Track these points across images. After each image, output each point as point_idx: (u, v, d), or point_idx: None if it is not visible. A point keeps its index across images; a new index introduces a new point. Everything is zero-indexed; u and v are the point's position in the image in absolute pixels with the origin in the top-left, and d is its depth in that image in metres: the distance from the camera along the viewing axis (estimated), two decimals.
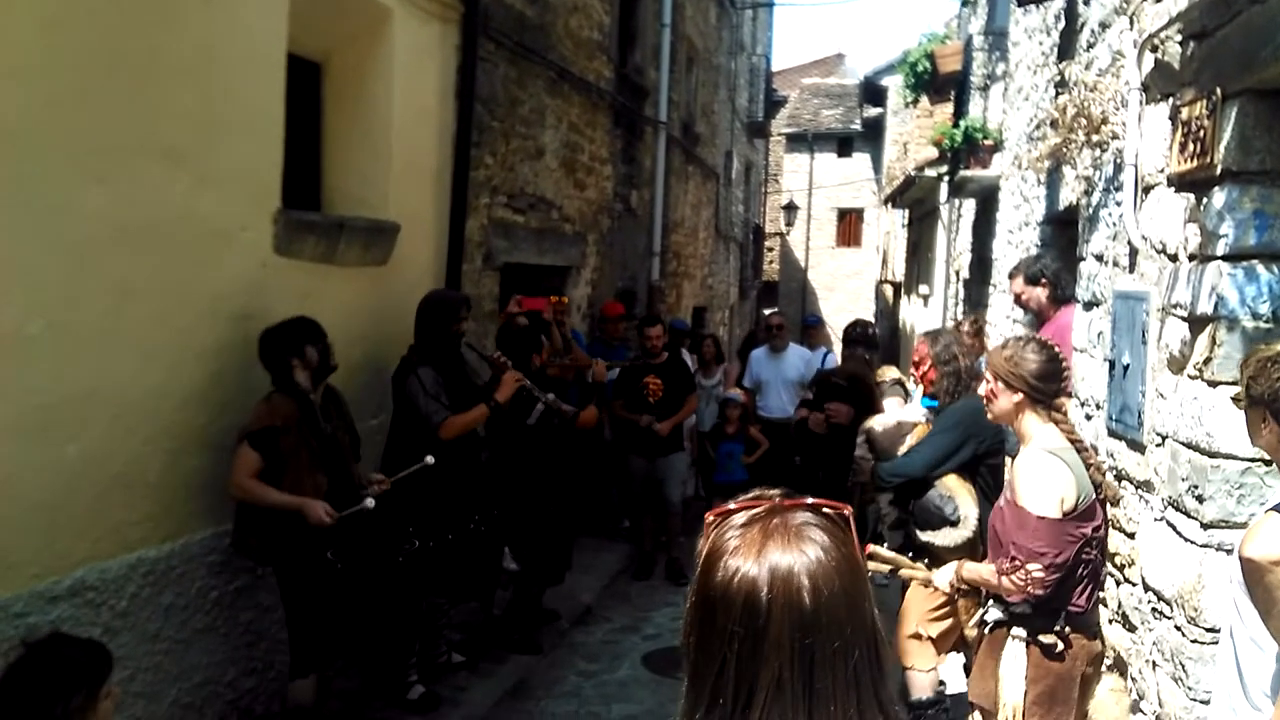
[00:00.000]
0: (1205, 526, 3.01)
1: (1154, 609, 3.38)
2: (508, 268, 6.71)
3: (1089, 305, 4.56)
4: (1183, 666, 3.07)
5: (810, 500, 1.21)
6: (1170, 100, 3.49)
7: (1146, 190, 3.74)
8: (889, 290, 21.88)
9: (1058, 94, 5.39)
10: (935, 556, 3.88)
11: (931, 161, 11.84)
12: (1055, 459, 3.07)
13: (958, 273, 11.17)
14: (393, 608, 4.61)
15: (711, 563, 1.17)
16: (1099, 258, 4.41)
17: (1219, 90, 2.96)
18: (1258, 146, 2.90)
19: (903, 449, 4.41)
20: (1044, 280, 5.14)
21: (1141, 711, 3.45)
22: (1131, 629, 3.65)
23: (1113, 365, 3.99)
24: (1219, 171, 2.97)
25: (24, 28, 3.11)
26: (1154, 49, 3.58)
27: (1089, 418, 4.39)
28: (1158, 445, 3.47)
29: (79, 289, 3.37)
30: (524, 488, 5.49)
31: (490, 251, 6.42)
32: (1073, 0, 5.49)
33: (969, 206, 10.45)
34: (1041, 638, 3.11)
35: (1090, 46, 4.88)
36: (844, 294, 27.77)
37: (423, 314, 4.88)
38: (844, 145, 28.53)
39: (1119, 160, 4.01)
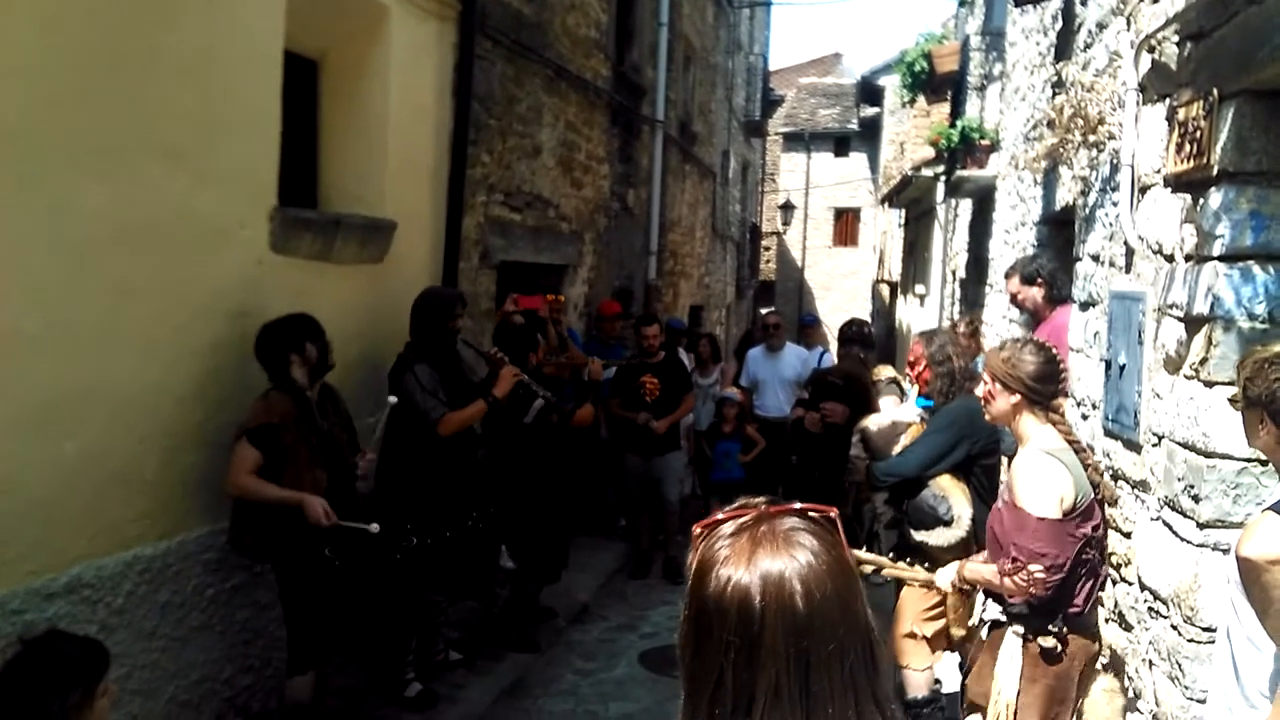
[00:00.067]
0: (1201, 526, 3.01)
1: (1150, 608, 3.39)
2: (504, 266, 6.71)
3: (1085, 305, 4.57)
4: (1179, 666, 3.08)
5: (797, 505, 1.22)
6: (1167, 101, 3.49)
7: (1143, 190, 3.75)
8: (885, 290, 21.90)
9: (1055, 94, 5.40)
10: (929, 556, 3.89)
11: (928, 161, 11.85)
12: (1053, 460, 3.07)
13: (954, 272, 11.18)
14: (391, 605, 4.61)
15: (703, 574, 1.18)
16: (1095, 258, 4.42)
17: (1216, 91, 2.97)
18: (1254, 147, 2.91)
19: (897, 449, 4.42)
20: (1040, 280, 5.15)
21: (1138, 710, 3.46)
22: (1128, 628, 3.66)
23: (1109, 365, 3.99)
24: (1215, 172, 2.97)
25: (23, 27, 3.11)
26: (1151, 50, 3.59)
27: (1085, 418, 4.40)
28: (1154, 445, 3.48)
29: (77, 287, 3.37)
30: (520, 486, 5.50)
31: (487, 250, 6.42)
32: (1070, 1, 5.49)
33: (965, 206, 10.46)
34: (1041, 640, 3.10)
35: (1087, 47, 4.89)
36: (840, 293, 27.79)
37: (418, 311, 4.87)
38: (841, 145, 28.55)
39: (1116, 160, 4.02)
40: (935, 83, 11.85)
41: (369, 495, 4.42)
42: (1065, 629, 3.12)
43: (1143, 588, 3.48)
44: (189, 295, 3.87)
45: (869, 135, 26.36)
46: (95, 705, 2.39)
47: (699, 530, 1.23)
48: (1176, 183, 3.34)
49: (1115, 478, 3.86)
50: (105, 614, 3.54)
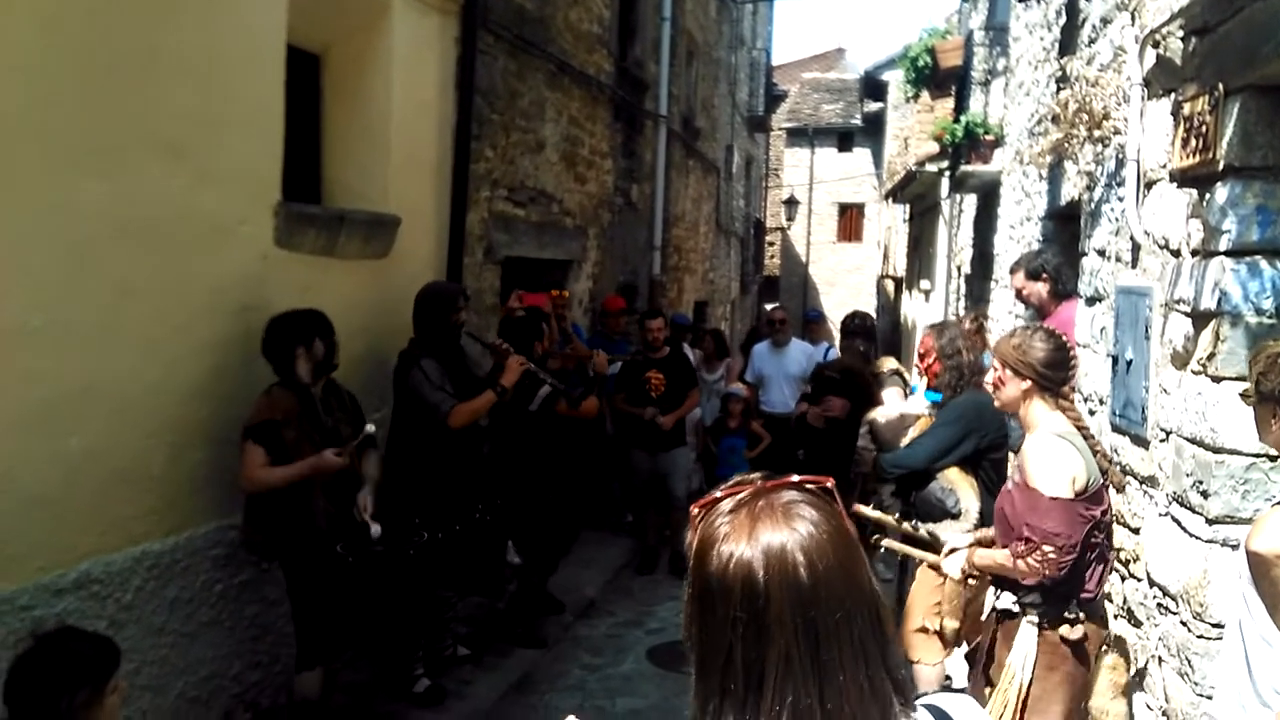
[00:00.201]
0: (1210, 522, 3.01)
1: (1159, 604, 3.39)
2: (509, 261, 6.71)
3: (1091, 300, 4.56)
4: (1189, 662, 3.08)
5: (794, 478, 1.21)
6: (1172, 96, 3.49)
7: (1149, 185, 3.74)
8: (890, 285, 21.89)
9: (1059, 89, 5.39)
10: (936, 549, 3.89)
11: (932, 156, 11.82)
12: (1064, 441, 3.07)
13: (959, 268, 11.17)
14: (400, 601, 4.62)
15: (704, 552, 1.18)
16: (1101, 253, 4.41)
17: (1221, 86, 2.96)
18: (1260, 142, 2.91)
19: (905, 441, 4.42)
20: (1045, 275, 5.14)
21: (1143, 690, 3.46)
22: (1137, 624, 3.66)
23: (1116, 360, 3.99)
24: (1221, 167, 2.97)
25: (23, 26, 3.11)
26: (1156, 44, 3.58)
27: (1092, 413, 4.40)
28: (1162, 441, 3.48)
29: (79, 284, 3.37)
30: (525, 478, 5.50)
31: (491, 245, 6.42)
32: None
33: (970, 202, 10.45)
34: (1064, 631, 3.08)
35: (1092, 42, 4.88)
36: (845, 289, 27.76)
37: (421, 306, 4.88)
38: (844, 140, 28.52)
39: (1121, 155, 4.01)
40: (939, 78, 11.82)
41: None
42: (1082, 614, 3.11)
43: (1151, 584, 3.48)
44: (193, 291, 3.88)
45: (873, 130, 26.33)
46: (105, 702, 2.40)
47: (697, 510, 1.23)
48: (1182, 178, 3.34)
49: (1123, 473, 3.86)
50: (114, 609, 3.55)
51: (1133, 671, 3.48)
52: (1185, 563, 3.15)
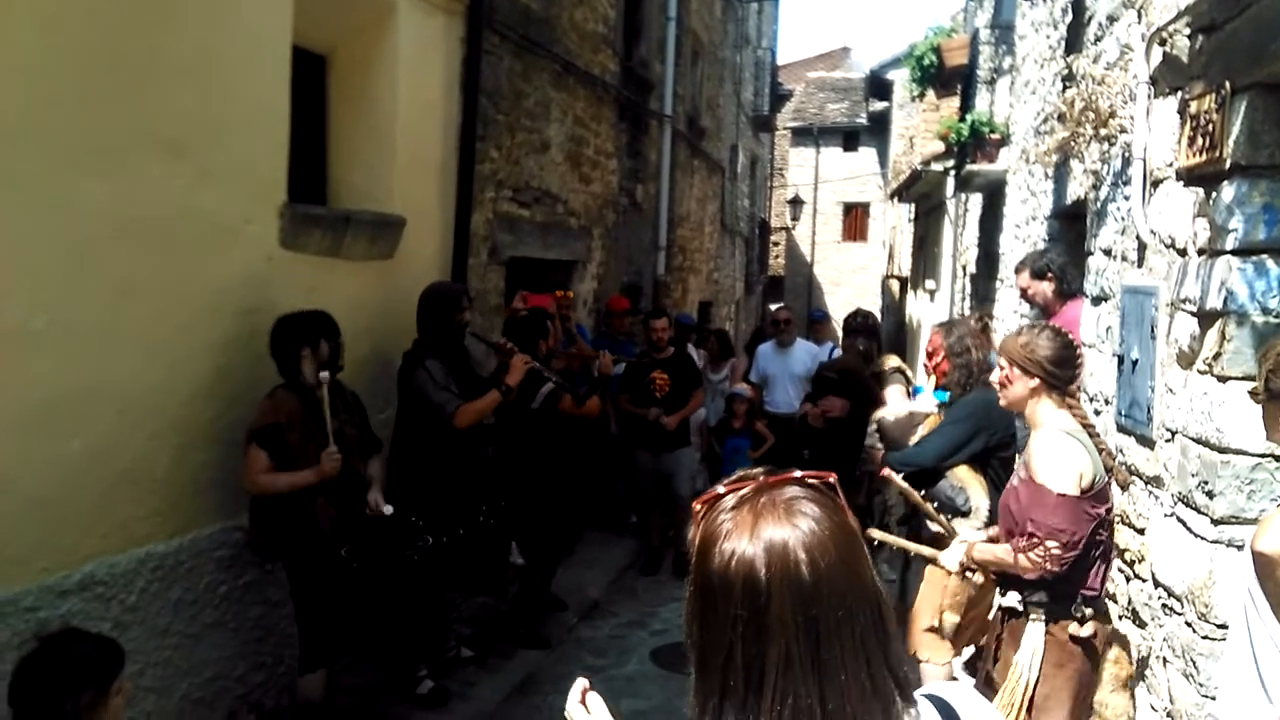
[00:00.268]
0: (1216, 522, 3.00)
1: (1164, 605, 3.38)
2: (513, 262, 6.71)
3: (1097, 300, 4.55)
4: (1193, 663, 3.06)
5: (796, 473, 1.21)
6: (1179, 94, 3.47)
7: (1155, 184, 3.73)
8: (895, 285, 21.85)
9: (1065, 88, 5.37)
10: (943, 546, 3.88)
11: (938, 156, 11.81)
12: (1072, 439, 3.07)
13: (964, 267, 11.15)
14: (403, 603, 4.61)
15: (707, 549, 1.17)
16: (1107, 252, 4.40)
17: (1228, 84, 2.95)
18: (1267, 140, 2.89)
19: (914, 439, 4.41)
20: (1049, 274, 5.13)
21: (1143, 682, 3.45)
22: (1142, 625, 3.64)
23: (1121, 360, 3.98)
24: (1228, 165, 2.96)
25: (23, 25, 3.11)
26: (1162, 42, 3.57)
27: (1098, 413, 4.38)
28: (1167, 441, 3.47)
29: (82, 285, 3.37)
30: (529, 479, 5.50)
31: (496, 246, 6.42)
32: None
33: (976, 201, 10.43)
34: (1074, 629, 3.08)
35: (1098, 40, 4.86)
36: (850, 289, 27.73)
37: (424, 307, 4.88)
38: (850, 139, 28.49)
39: (1127, 154, 4.00)
40: (944, 77, 11.82)
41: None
42: (1089, 611, 3.10)
43: (1156, 584, 3.46)
44: (197, 292, 3.88)
45: (878, 130, 26.30)
46: (109, 704, 2.40)
47: (699, 506, 1.22)
48: (1189, 176, 3.32)
49: (1129, 473, 3.84)
50: (119, 611, 3.55)
51: (1134, 664, 3.47)
52: (1190, 563, 3.14)
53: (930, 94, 13.60)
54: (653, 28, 10.08)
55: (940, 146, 11.20)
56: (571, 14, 7.54)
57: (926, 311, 14.82)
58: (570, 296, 7.33)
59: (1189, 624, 3.12)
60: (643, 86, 9.76)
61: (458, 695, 4.90)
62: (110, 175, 3.45)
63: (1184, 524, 3.22)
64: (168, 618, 3.80)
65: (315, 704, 4.02)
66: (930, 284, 14.75)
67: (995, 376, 3.33)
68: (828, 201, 28.52)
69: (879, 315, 22.07)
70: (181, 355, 3.82)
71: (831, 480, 1.22)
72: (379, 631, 4.45)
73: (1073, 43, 5.62)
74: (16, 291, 3.15)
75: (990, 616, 3.44)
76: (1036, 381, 3.16)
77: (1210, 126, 3.07)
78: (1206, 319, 3.10)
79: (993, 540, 3.45)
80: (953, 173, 11.12)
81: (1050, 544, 2.94)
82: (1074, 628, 3.09)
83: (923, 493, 4.17)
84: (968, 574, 3.55)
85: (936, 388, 4.57)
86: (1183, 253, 3.38)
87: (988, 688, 3.30)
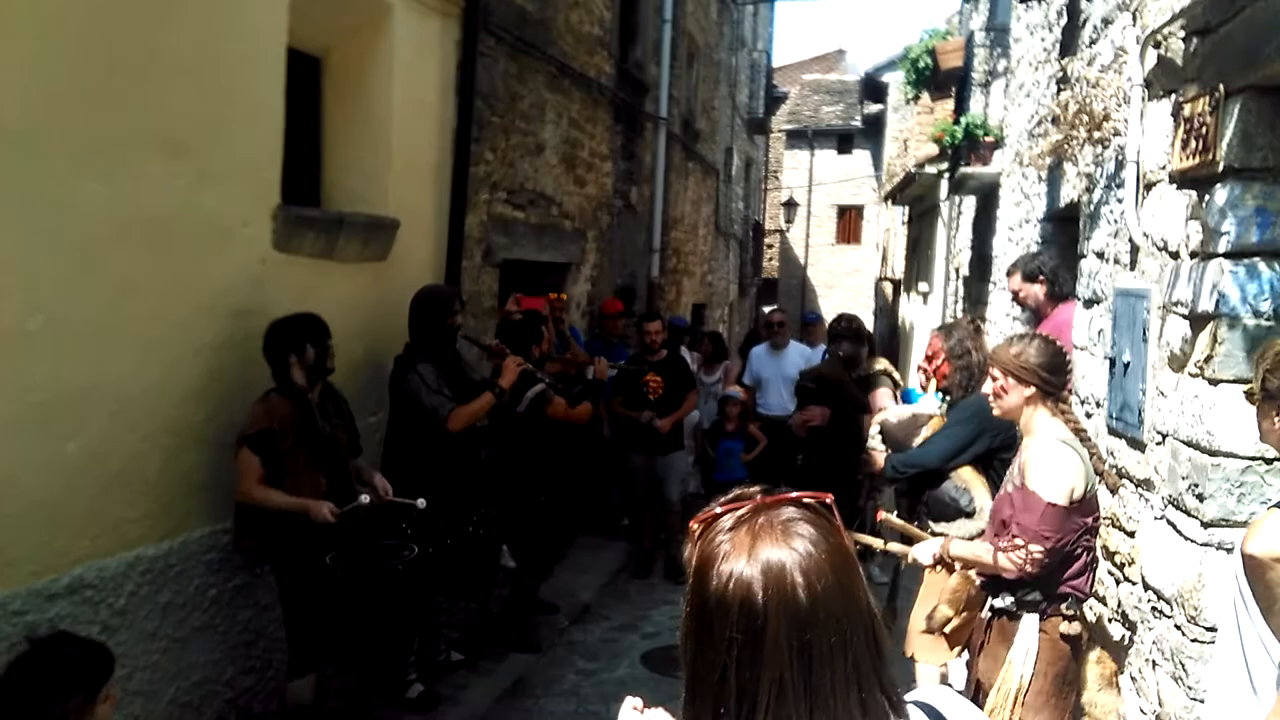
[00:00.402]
0: (1206, 525, 3.00)
1: (1154, 608, 3.38)
2: (507, 264, 6.70)
3: (1090, 303, 4.55)
4: (1182, 666, 3.06)
5: (793, 494, 1.21)
6: (1173, 97, 3.48)
7: (1148, 187, 3.73)
8: (889, 287, 21.87)
9: (1059, 90, 5.38)
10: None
11: (932, 158, 11.81)
12: (1068, 448, 3.09)
13: (958, 270, 11.16)
14: (393, 607, 4.59)
15: (704, 570, 1.17)
16: (1100, 255, 4.40)
17: (1222, 87, 2.95)
18: (1260, 144, 2.90)
19: (918, 441, 4.42)
20: (1041, 277, 5.14)
21: (1131, 678, 3.45)
22: (1131, 628, 3.64)
23: (1113, 363, 3.98)
24: (1221, 168, 2.96)
25: (23, 25, 3.10)
26: (1156, 45, 3.57)
27: (1089, 416, 4.39)
28: (1158, 444, 3.47)
29: (78, 285, 3.36)
30: (520, 483, 5.48)
31: (490, 248, 6.41)
32: None
33: (969, 204, 10.44)
34: (1064, 628, 3.12)
35: (1092, 43, 4.86)
36: (844, 291, 27.77)
37: (416, 310, 4.86)
38: (844, 142, 28.54)
39: (1121, 157, 4.00)
40: (939, 79, 11.82)
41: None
42: (1076, 612, 3.14)
43: (1146, 587, 3.46)
44: (191, 293, 3.87)
45: (872, 132, 26.33)
46: (97, 710, 2.39)
47: (696, 526, 1.22)
48: (1182, 179, 3.32)
49: (1119, 476, 3.85)
50: (107, 615, 3.54)
51: (1117, 660, 3.49)
52: (1180, 566, 3.14)
53: (925, 97, 13.61)
54: (648, 30, 10.08)
55: (934, 149, 11.20)
56: (567, 16, 7.53)
57: (919, 314, 14.83)
58: (564, 299, 7.32)
59: (1178, 627, 3.12)
60: (638, 89, 9.75)
61: (448, 699, 4.88)
62: (108, 176, 3.44)
63: (1174, 527, 3.22)
64: (156, 621, 3.78)
65: (304, 708, 4.00)
66: (923, 286, 14.76)
67: (988, 387, 3.34)
68: (822, 204, 28.55)
69: (872, 318, 22.19)
70: (175, 357, 3.81)
71: (828, 501, 1.21)
72: (368, 636, 4.42)
73: (1067, 46, 5.63)
74: (13, 291, 3.14)
75: (984, 615, 3.44)
76: (1032, 390, 3.18)
77: (1204, 129, 3.08)
78: (1198, 322, 3.10)
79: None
80: (947, 175, 11.12)
81: (1034, 547, 2.99)
82: (1064, 625, 3.11)
83: (925, 497, 4.17)
84: (939, 567, 3.56)
85: (937, 390, 4.58)
86: (1175, 255, 3.38)
87: (974, 687, 3.31)
